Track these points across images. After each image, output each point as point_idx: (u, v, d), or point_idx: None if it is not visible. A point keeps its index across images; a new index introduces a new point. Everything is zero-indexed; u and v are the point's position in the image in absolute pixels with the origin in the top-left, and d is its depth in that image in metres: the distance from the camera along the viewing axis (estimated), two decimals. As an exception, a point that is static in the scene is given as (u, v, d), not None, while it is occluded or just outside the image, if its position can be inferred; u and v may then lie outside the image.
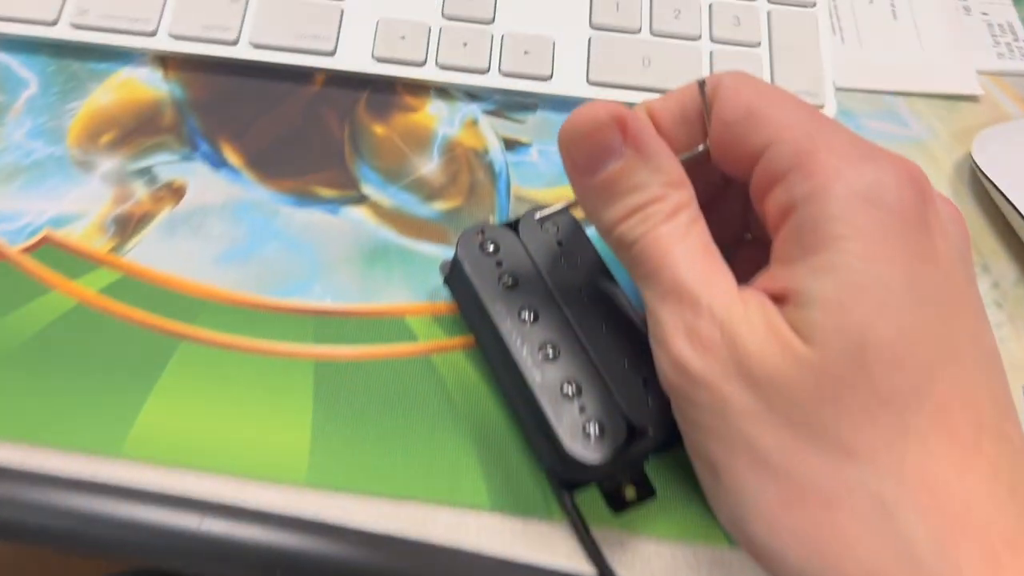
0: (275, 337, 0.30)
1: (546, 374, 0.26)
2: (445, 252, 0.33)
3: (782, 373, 0.20)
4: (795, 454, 0.20)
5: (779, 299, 0.21)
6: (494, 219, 0.34)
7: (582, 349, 0.27)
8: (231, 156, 0.34)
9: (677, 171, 0.22)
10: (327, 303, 0.31)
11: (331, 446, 0.28)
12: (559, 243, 0.29)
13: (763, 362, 0.20)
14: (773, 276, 0.22)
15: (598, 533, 0.28)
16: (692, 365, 0.21)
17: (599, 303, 0.28)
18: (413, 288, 0.32)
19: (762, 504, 0.20)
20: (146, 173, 0.34)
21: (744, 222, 0.29)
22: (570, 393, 0.26)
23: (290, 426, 0.29)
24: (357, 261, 0.32)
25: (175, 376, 0.29)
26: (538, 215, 0.28)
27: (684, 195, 0.22)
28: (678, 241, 0.22)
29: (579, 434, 0.25)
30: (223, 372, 0.30)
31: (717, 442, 0.21)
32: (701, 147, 0.24)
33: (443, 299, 0.32)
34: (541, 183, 0.35)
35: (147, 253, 0.32)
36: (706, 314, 0.21)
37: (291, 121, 0.35)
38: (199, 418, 0.29)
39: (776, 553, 0.20)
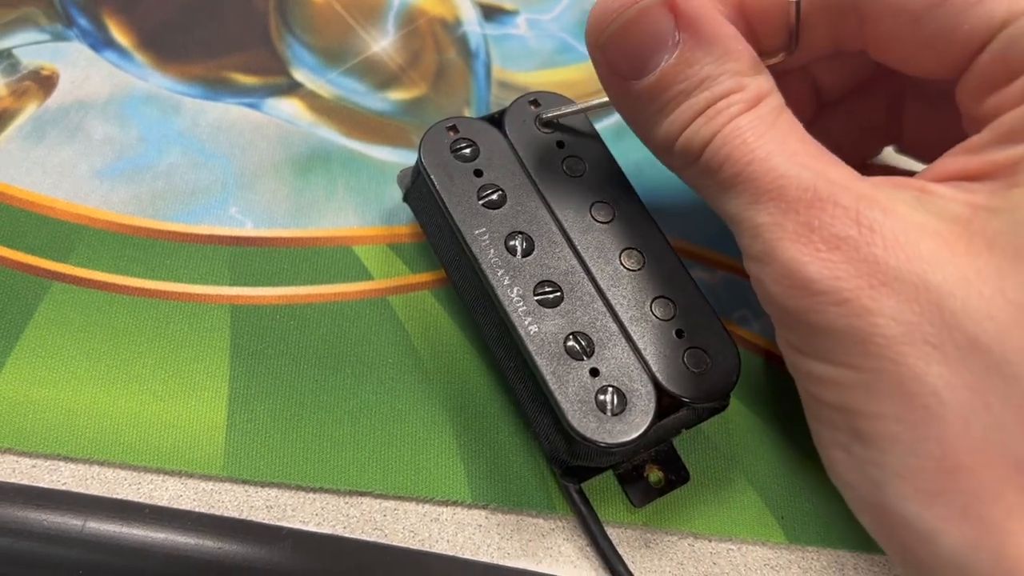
0: (178, 276, 0.25)
1: (544, 324, 0.21)
2: (405, 158, 0.28)
3: (960, 282, 0.16)
4: (977, 395, 0.16)
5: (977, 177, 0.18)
6: (470, 112, 0.29)
7: (593, 289, 0.22)
8: (119, 33, 0.30)
9: (750, 56, 0.20)
10: (247, 229, 0.26)
11: (255, 423, 0.23)
12: (559, 144, 0.24)
13: (931, 264, 0.17)
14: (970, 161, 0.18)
15: (613, 531, 0.23)
16: (815, 271, 0.17)
17: (615, 225, 0.23)
18: (363, 207, 0.27)
19: (923, 467, 0.17)
20: (3, 58, 0.29)
21: (858, 153, 0.26)
22: (577, 350, 0.21)
23: (200, 397, 0.24)
24: (287, 172, 0.28)
25: (43, 331, 0.24)
26: (544, 116, 0.24)
27: (764, 83, 0.20)
28: (767, 129, 0.19)
29: (590, 406, 0.20)
30: (108, 324, 0.24)
31: (855, 378, 0.17)
32: (782, 55, 0.21)
33: (403, 221, 0.27)
34: (531, 64, 0.31)
35: (4, 166, 0.27)
36: (828, 205, 0.17)
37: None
38: (76, 388, 0.23)
39: (928, 534, 0.17)
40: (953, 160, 0.19)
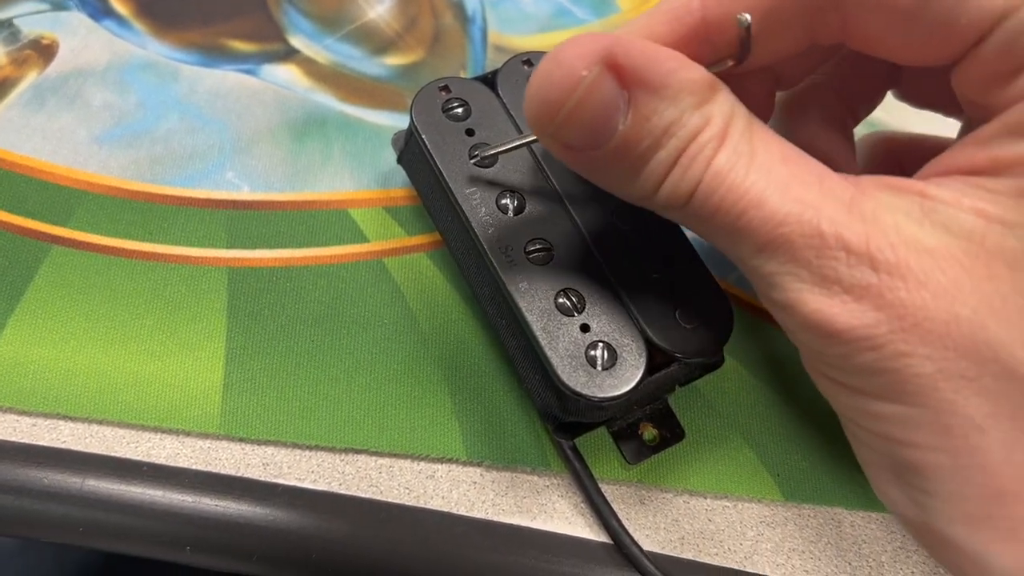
0: (176, 239, 0.25)
1: (535, 281, 0.21)
2: (401, 123, 0.28)
3: (989, 312, 0.16)
4: (1019, 424, 0.16)
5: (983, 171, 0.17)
6: (466, 76, 0.29)
7: (584, 247, 0.22)
8: (117, 2, 0.30)
9: (701, 78, 0.18)
10: (244, 193, 0.26)
11: (251, 382, 0.23)
12: None
13: (956, 297, 0.16)
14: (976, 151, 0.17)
15: (608, 488, 0.23)
16: (844, 323, 0.17)
17: None
18: (358, 171, 0.27)
19: (967, 494, 0.17)
20: (4, 27, 0.29)
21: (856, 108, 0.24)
22: (568, 306, 0.21)
23: (197, 357, 0.24)
24: (284, 137, 0.27)
25: (43, 293, 0.24)
26: (484, 154, 0.22)
27: (725, 103, 0.18)
28: (749, 163, 0.17)
29: (580, 361, 0.20)
30: (107, 287, 0.24)
31: (894, 411, 0.17)
32: (730, 62, 0.19)
33: (399, 184, 0.27)
34: (528, 28, 0.30)
35: (5, 133, 0.27)
36: (840, 253, 0.17)
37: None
38: (75, 349, 0.23)
39: (978, 556, 0.17)
40: (960, 153, 0.18)
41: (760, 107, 0.23)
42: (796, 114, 0.23)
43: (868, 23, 0.19)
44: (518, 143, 0.22)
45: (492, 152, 0.22)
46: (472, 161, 0.22)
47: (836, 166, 0.20)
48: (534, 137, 0.20)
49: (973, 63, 0.18)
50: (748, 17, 0.18)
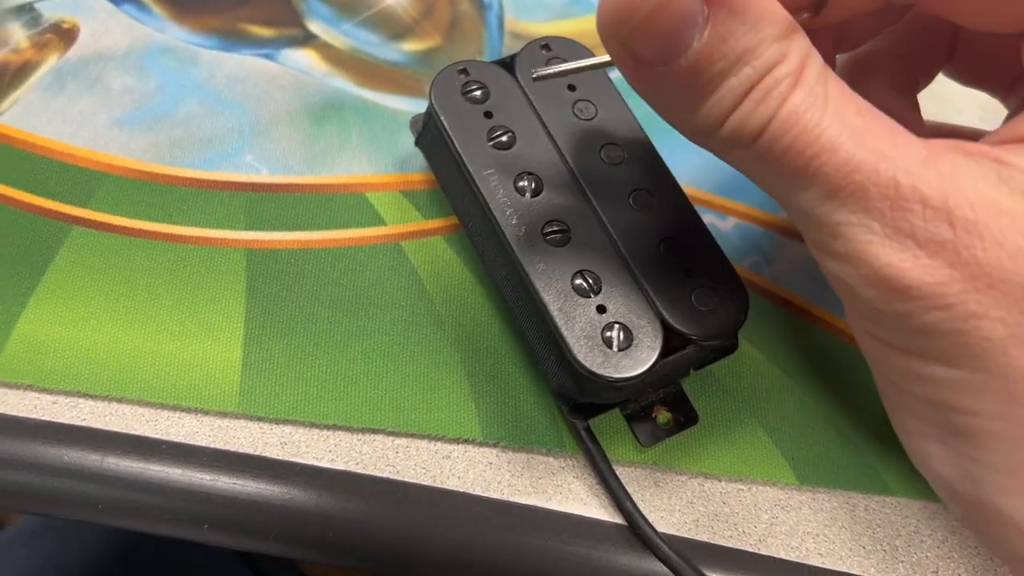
0: (195, 221, 0.25)
1: (552, 263, 0.21)
2: (418, 107, 0.28)
3: None
4: None
5: None
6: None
7: (601, 229, 0.22)
8: None
9: (783, 16, 0.17)
10: (262, 176, 0.26)
11: (270, 362, 0.23)
12: (570, 87, 0.24)
13: None
14: None
15: (623, 470, 0.23)
16: (916, 277, 0.16)
17: (625, 167, 0.23)
18: (376, 155, 0.27)
19: None
20: (26, 11, 0.29)
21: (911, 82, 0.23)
22: (585, 287, 0.21)
23: (216, 337, 0.24)
24: (302, 121, 0.27)
25: (63, 273, 0.24)
26: (535, 74, 0.21)
27: (802, 44, 0.17)
28: (824, 108, 0.16)
29: (596, 342, 0.20)
30: (127, 267, 0.24)
31: (957, 376, 0.16)
32: (807, 15, 0.19)
33: (416, 168, 0.27)
34: (544, 15, 0.30)
35: (27, 115, 0.27)
36: (917, 206, 0.16)
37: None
38: (95, 328, 0.23)
39: None
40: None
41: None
42: (863, 77, 0.23)
43: None
44: (585, 64, 0.20)
45: (553, 72, 0.20)
46: (490, 143, 0.22)
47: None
48: (607, 58, 0.19)
49: None
50: None
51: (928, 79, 0.24)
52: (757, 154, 0.17)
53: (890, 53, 0.23)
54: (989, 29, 0.18)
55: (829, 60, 0.23)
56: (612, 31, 0.17)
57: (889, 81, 0.23)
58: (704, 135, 0.18)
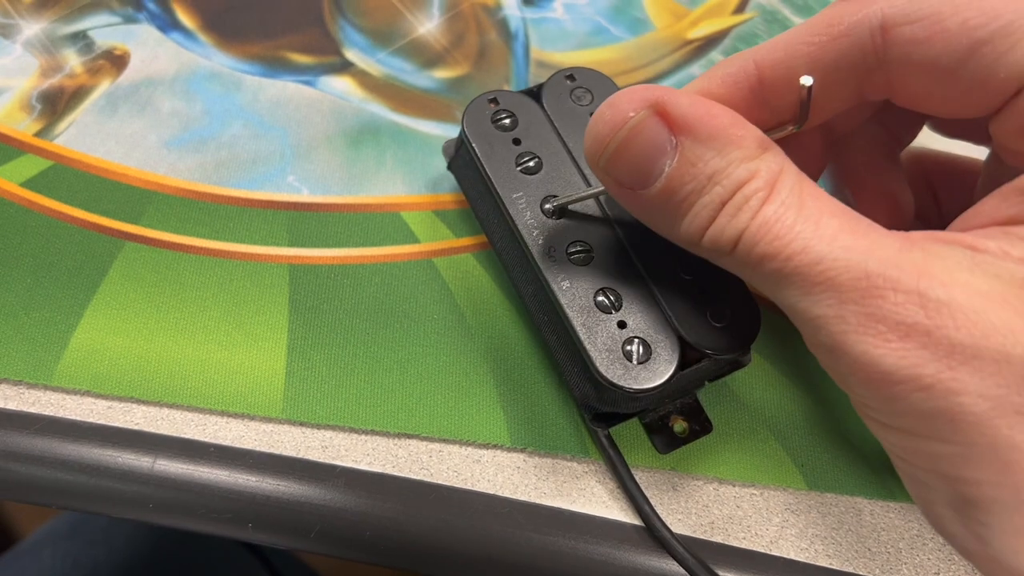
0: (240, 238, 0.26)
1: (576, 280, 0.22)
2: (449, 132, 0.29)
3: None
4: None
5: None
6: (510, 89, 0.29)
7: (622, 249, 0.23)
8: (184, 16, 0.31)
9: (753, 137, 0.18)
10: (303, 195, 0.27)
11: (311, 371, 0.24)
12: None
13: (1007, 336, 0.16)
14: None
15: (642, 475, 0.24)
16: (891, 363, 0.16)
17: None
18: (410, 176, 0.28)
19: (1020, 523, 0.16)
20: (80, 39, 0.30)
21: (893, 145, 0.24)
22: (607, 304, 0.22)
23: (261, 347, 0.25)
24: (340, 144, 0.28)
25: (117, 286, 0.25)
26: (554, 204, 0.23)
27: (774, 160, 0.18)
28: (796, 214, 0.17)
29: (617, 355, 0.21)
30: (176, 281, 0.25)
31: (949, 450, 0.17)
32: (791, 128, 0.20)
33: (447, 190, 0.28)
34: (568, 45, 0.31)
35: (81, 137, 0.28)
36: (888, 292, 0.16)
37: (257, -28, 0.31)
38: (147, 337, 0.24)
39: None
40: (1000, 204, 0.18)
41: (816, 158, 0.24)
42: (846, 145, 0.24)
43: (911, 81, 0.19)
44: (587, 194, 0.22)
45: (563, 203, 0.23)
46: (519, 168, 0.23)
47: (887, 191, 0.20)
48: (602, 188, 0.22)
49: (1010, 114, 0.18)
50: (811, 80, 0.18)
51: (911, 136, 0.25)
52: (738, 261, 0.18)
53: (872, 121, 0.24)
54: (958, 116, 0.19)
55: (824, 151, 0.24)
56: (593, 160, 0.19)
57: (872, 144, 0.24)
58: (691, 245, 0.19)
